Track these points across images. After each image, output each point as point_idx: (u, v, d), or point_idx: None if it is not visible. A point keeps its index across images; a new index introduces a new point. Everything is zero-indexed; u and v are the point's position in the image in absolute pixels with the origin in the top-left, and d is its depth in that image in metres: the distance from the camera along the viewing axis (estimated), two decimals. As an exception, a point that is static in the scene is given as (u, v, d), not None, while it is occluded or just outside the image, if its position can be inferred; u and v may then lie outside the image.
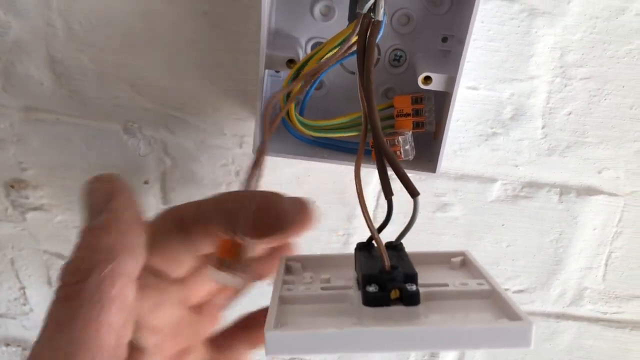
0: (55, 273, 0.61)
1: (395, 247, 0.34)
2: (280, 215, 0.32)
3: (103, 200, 0.30)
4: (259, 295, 0.60)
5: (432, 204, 0.53)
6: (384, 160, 0.34)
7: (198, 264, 0.36)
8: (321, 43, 0.41)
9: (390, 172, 0.33)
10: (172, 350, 0.36)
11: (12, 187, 0.56)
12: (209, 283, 0.38)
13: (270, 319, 0.28)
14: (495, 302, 0.30)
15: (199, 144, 0.52)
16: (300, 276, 0.35)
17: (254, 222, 0.32)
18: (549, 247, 0.55)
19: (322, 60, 0.39)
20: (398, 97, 0.44)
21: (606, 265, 0.56)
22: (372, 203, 0.53)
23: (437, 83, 0.42)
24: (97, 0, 0.46)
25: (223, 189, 0.53)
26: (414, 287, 0.29)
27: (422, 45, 0.45)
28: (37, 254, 0.60)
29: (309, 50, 0.45)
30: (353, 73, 0.46)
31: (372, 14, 0.37)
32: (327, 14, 0.44)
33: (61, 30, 0.48)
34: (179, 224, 0.34)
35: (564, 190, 0.52)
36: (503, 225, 0.54)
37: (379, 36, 0.38)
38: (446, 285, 0.32)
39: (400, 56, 0.46)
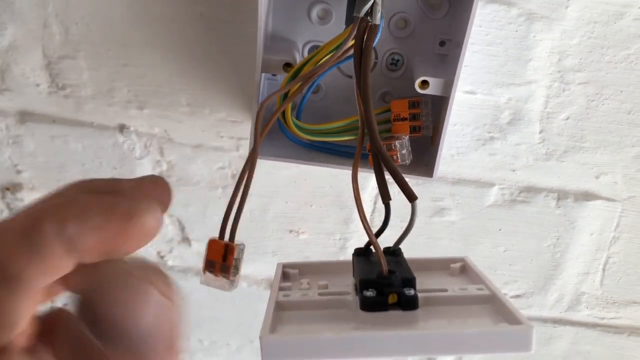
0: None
1: (393, 252, 0.34)
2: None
3: None
4: (255, 299, 0.60)
5: (429, 208, 0.53)
6: (382, 164, 0.34)
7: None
8: (318, 46, 0.41)
9: (387, 177, 0.33)
10: None
11: (8, 189, 0.55)
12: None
13: (267, 324, 0.27)
14: (495, 307, 0.30)
15: (196, 147, 0.51)
16: (297, 282, 0.35)
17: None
18: (546, 252, 0.55)
19: (319, 63, 0.39)
20: (395, 101, 0.44)
21: (604, 270, 0.56)
22: (369, 207, 0.53)
23: (434, 87, 0.42)
24: (94, 3, 0.46)
25: (219, 192, 0.53)
26: (412, 292, 0.29)
27: (419, 49, 0.45)
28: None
29: (306, 54, 0.45)
30: (350, 77, 0.46)
31: (369, 17, 0.37)
32: (325, 17, 0.44)
33: (57, 32, 0.47)
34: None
35: (561, 195, 0.52)
36: (500, 230, 0.54)
37: (376, 40, 0.37)
38: (445, 290, 0.31)
39: (398, 60, 0.46)
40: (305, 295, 0.32)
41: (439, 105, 0.44)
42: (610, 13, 0.45)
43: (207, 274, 0.34)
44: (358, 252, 0.35)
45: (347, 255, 0.36)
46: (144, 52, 0.48)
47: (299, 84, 0.39)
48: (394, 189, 0.33)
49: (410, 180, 0.35)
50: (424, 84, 0.42)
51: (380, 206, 0.53)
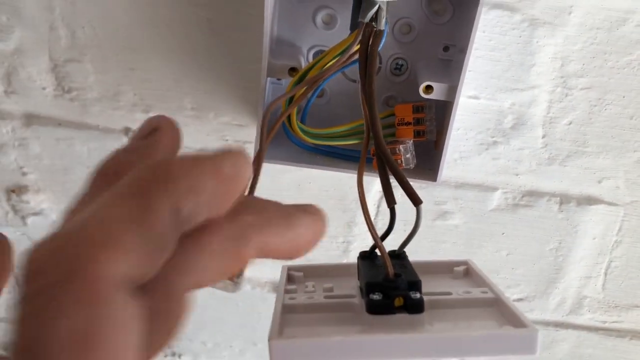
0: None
1: (398, 255, 0.34)
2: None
3: None
4: (259, 301, 0.61)
5: (432, 212, 0.53)
6: (387, 168, 0.34)
7: None
8: (323, 51, 0.41)
9: (391, 181, 0.34)
10: None
11: (13, 191, 0.56)
12: None
13: (274, 327, 0.28)
14: (499, 310, 0.30)
15: (201, 150, 0.52)
16: (303, 285, 0.35)
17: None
18: (548, 256, 0.55)
19: (325, 68, 0.39)
20: (399, 105, 0.44)
21: (606, 274, 0.56)
22: (372, 211, 0.53)
23: (438, 92, 0.42)
24: (100, 7, 0.47)
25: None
26: (417, 295, 0.29)
27: (423, 54, 0.45)
28: (37, 259, 0.60)
29: (310, 59, 0.46)
30: (354, 81, 0.46)
31: (374, 23, 0.38)
32: (329, 22, 0.45)
33: (64, 36, 0.48)
34: None
35: (564, 199, 0.52)
36: (503, 233, 0.54)
37: (381, 45, 0.38)
38: (449, 293, 0.32)
39: (402, 65, 0.46)
40: (311, 298, 0.32)
41: (443, 109, 0.44)
42: (612, 19, 0.45)
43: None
44: (363, 256, 0.35)
45: (350, 259, 0.36)
46: (150, 56, 0.48)
47: (304, 88, 0.39)
48: (396, 192, 0.33)
49: (414, 184, 0.36)
50: (429, 88, 0.42)
51: (383, 210, 0.54)
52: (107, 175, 0.22)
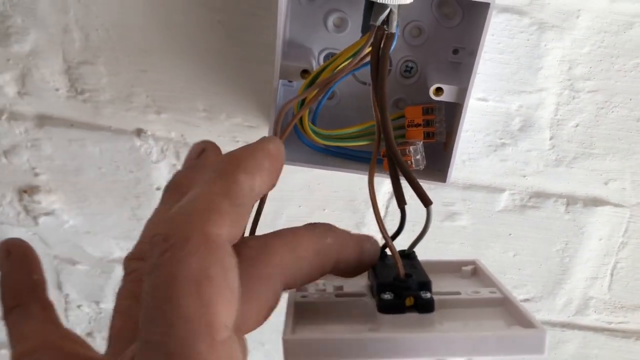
0: (65, 278, 0.62)
1: (408, 255, 0.34)
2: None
3: None
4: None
5: (440, 213, 0.54)
6: (397, 169, 0.35)
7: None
8: (334, 54, 0.42)
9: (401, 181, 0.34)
10: None
11: (25, 192, 0.56)
12: None
13: (288, 325, 0.28)
14: (507, 309, 0.31)
15: (211, 152, 0.52)
16: (313, 283, 0.36)
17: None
18: (555, 257, 0.56)
19: (337, 70, 0.40)
20: (409, 107, 0.45)
21: (612, 275, 0.56)
22: (381, 211, 0.53)
23: (448, 94, 0.43)
24: (114, 9, 0.47)
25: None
26: (428, 295, 0.30)
27: (433, 56, 0.46)
28: (48, 259, 0.60)
29: (321, 61, 0.46)
30: (364, 83, 0.47)
31: (385, 26, 0.38)
32: (340, 25, 0.45)
33: (78, 38, 0.48)
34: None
35: (570, 200, 0.53)
36: (510, 234, 0.55)
37: (392, 48, 0.38)
38: (458, 293, 0.32)
39: (412, 67, 0.46)
40: (322, 296, 0.33)
41: (452, 111, 0.45)
42: (620, 23, 0.46)
43: None
44: None
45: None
46: (162, 58, 0.49)
47: (317, 89, 0.40)
48: (404, 192, 0.34)
49: (424, 185, 0.36)
50: (439, 91, 0.43)
51: (392, 210, 0.54)
52: (175, 189, 0.29)
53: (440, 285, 0.32)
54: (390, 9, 0.38)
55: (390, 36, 0.38)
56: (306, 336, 0.27)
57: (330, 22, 0.45)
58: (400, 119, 0.45)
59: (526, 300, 0.58)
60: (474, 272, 0.37)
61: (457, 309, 0.31)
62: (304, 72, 0.42)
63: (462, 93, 0.43)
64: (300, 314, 0.31)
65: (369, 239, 0.31)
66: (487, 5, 0.39)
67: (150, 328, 0.20)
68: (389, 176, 0.35)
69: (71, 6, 0.47)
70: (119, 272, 0.61)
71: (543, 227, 0.54)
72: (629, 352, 0.60)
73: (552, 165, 0.51)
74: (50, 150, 0.54)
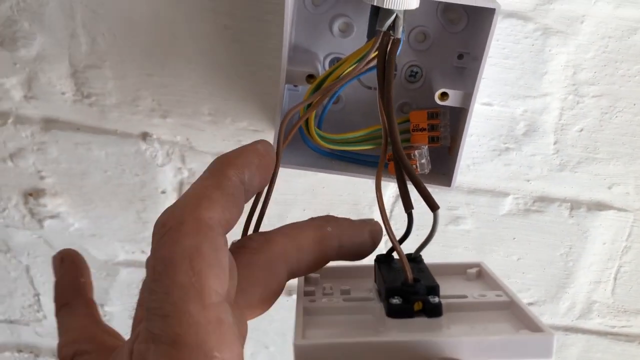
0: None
1: (414, 258, 0.35)
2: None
3: None
4: (276, 305, 0.61)
5: (444, 217, 0.54)
6: (404, 174, 0.35)
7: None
8: (339, 59, 0.42)
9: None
10: None
11: (31, 195, 0.56)
12: None
13: (299, 329, 0.28)
14: (514, 313, 0.31)
15: (217, 155, 0.52)
16: (320, 287, 0.36)
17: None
18: (559, 261, 0.56)
19: (342, 75, 0.40)
20: (414, 112, 0.45)
21: (615, 279, 0.57)
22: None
23: (453, 99, 0.43)
24: (120, 14, 0.47)
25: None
26: (436, 299, 0.30)
27: (438, 61, 0.46)
28: (52, 262, 0.60)
29: (327, 66, 0.46)
30: (370, 88, 0.47)
31: (391, 31, 0.38)
32: (346, 30, 0.45)
33: (84, 42, 0.49)
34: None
35: (574, 205, 0.53)
36: (514, 238, 0.55)
37: (398, 53, 0.39)
38: (465, 296, 0.32)
39: (417, 72, 0.47)
40: (330, 300, 0.33)
41: (457, 116, 0.45)
42: (624, 28, 0.46)
43: None
44: (380, 259, 0.36)
45: (363, 261, 0.37)
46: (168, 62, 0.49)
47: (322, 94, 0.40)
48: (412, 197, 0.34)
49: (428, 189, 0.36)
50: (444, 95, 0.43)
51: (396, 214, 0.54)
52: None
53: (446, 288, 0.32)
54: (396, 15, 0.38)
55: (397, 41, 0.38)
56: (317, 341, 0.27)
57: (336, 27, 0.45)
58: (405, 124, 0.45)
59: (530, 304, 0.58)
60: (479, 274, 0.37)
61: (464, 313, 0.31)
62: (310, 77, 0.42)
63: (467, 98, 0.43)
64: (310, 318, 0.31)
65: (370, 221, 0.34)
66: (493, 11, 0.39)
67: (150, 297, 0.23)
68: (393, 180, 0.35)
69: (78, 11, 0.47)
70: (124, 275, 0.61)
71: (547, 231, 0.54)
72: (632, 356, 0.60)
73: (556, 170, 0.51)
74: (56, 154, 0.54)
